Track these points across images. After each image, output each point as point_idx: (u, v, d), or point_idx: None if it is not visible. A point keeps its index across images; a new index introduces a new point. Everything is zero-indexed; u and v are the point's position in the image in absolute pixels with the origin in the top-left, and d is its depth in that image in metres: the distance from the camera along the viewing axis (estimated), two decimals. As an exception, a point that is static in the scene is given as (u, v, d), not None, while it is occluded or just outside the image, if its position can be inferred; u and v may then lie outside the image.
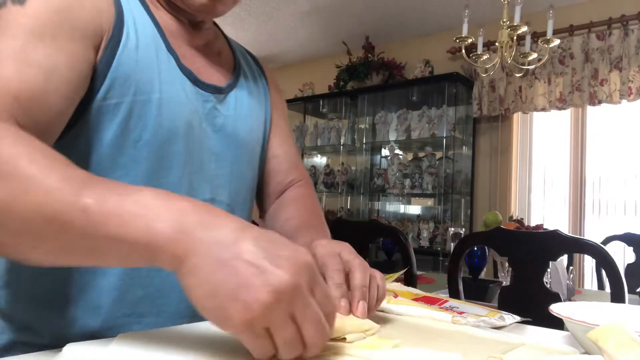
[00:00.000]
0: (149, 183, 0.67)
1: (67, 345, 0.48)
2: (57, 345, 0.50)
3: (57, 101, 0.57)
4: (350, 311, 0.57)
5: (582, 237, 1.43)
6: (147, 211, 0.42)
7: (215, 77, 0.78)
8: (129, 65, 0.64)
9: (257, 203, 0.94)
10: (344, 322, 0.53)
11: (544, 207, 3.44)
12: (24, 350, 0.60)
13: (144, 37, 0.67)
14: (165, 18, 0.73)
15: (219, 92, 0.77)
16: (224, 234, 0.41)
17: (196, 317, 0.70)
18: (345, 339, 0.51)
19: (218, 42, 0.84)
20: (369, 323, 0.56)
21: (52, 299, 0.66)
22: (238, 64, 0.85)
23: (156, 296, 0.69)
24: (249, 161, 0.83)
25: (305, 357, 0.43)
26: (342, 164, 4.06)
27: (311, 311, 0.41)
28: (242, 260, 0.39)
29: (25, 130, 0.52)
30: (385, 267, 1.88)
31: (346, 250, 0.65)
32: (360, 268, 0.61)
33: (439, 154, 3.61)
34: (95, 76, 0.62)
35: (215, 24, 0.87)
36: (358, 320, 0.56)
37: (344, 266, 0.62)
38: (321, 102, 4.21)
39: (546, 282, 1.52)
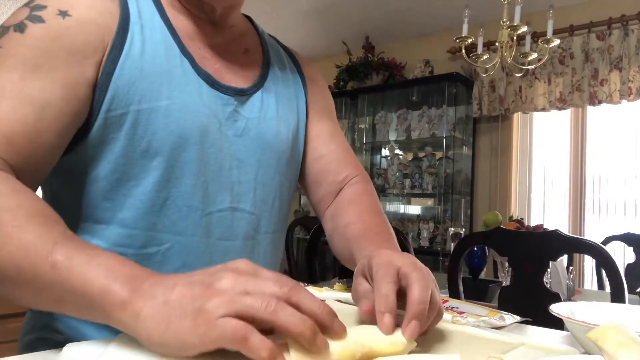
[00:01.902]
0: (160, 193, 0.66)
1: (67, 345, 0.48)
2: (72, 338, 0.55)
3: (49, 137, 0.58)
4: (393, 329, 0.49)
5: (582, 237, 1.43)
6: (107, 272, 0.45)
7: (239, 77, 0.74)
8: (131, 73, 0.63)
9: (313, 208, 0.89)
10: (372, 339, 0.48)
11: (544, 207, 3.44)
12: (46, 346, 0.67)
13: (151, 43, 0.65)
14: (183, 20, 0.70)
15: (241, 94, 0.73)
16: (166, 284, 0.44)
17: None
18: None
19: (246, 40, 0.80)
20: (401, 340, 0.49)
21: None
22: (267, 63, 0.80)
23: None
24: (277, 166, 0.77)
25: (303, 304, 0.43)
26: (342, 164, 4.06)
27: (259, 280, 0.43)
28: (181, 294, 0.43)
29: (17, 168, 0.56)
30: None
31: (408, 262, 0.55)
32: (420, 282, 0.51)
33: (439, 154, 3.61)
34: (99, 90, 0.62)
35: (250, 20, 0.85)
36: (389, 338, 0.48)
37: (400, 279, 0.53)
38: (321, 102, 4.21)
39: (546, 282, 1.52)
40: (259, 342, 0.40)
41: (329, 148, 0.85)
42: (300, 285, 0.45)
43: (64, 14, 0.60)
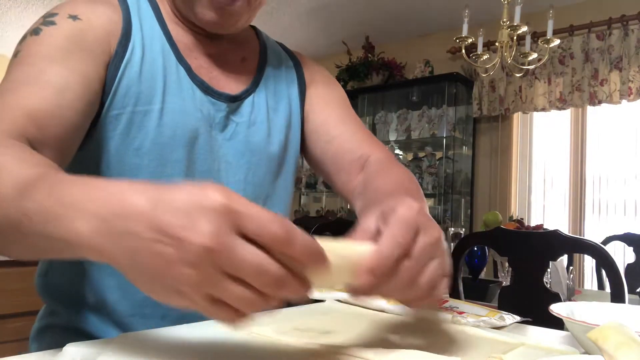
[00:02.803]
0: None
1: (67, 345, 0.48)
2: (73, 327, 0.57)
3: (71, 115, 0.61)
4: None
5: (582, 237, 1.43)
6: (66, 210, 0.41)
7: (233, 84, 0.78)
8: (130, 78, 0.68)
9: (340, 195, 0.85)
10: (339, 267, 0.42)
11: (544, 207, 3.44)
12: (54, 331, 0.74)
13: (150, 51, 0.70)
14: (181, 31, 0.75)
15: (233, 100, 0.77)
16: (132, 220, 0.38)
17: (202, 320, 0.71)
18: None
19: (244, 48, 0.83)
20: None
21: (70, 291, 0.73)
22: (262, 67, 0.83)
23: None
24: (268, 167, 0.80)
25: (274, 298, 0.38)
26: (342, 164, 4.06)
27: (241, 256, 0.36)
28: (151, 246, 0.37)
29: (41, 145, 0.57)
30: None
31: (403, 209, 0.47)
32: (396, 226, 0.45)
33: (439, 154, 3.61)
34: (103, 91, 0.67)
35: (254, 28, 0.87)
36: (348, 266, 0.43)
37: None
38: (321, 102, 4.21)
39: (546, 282, 1.52)
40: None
41: (340, 129, 0.84)
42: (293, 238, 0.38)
43: (74, 17, 0.66)
